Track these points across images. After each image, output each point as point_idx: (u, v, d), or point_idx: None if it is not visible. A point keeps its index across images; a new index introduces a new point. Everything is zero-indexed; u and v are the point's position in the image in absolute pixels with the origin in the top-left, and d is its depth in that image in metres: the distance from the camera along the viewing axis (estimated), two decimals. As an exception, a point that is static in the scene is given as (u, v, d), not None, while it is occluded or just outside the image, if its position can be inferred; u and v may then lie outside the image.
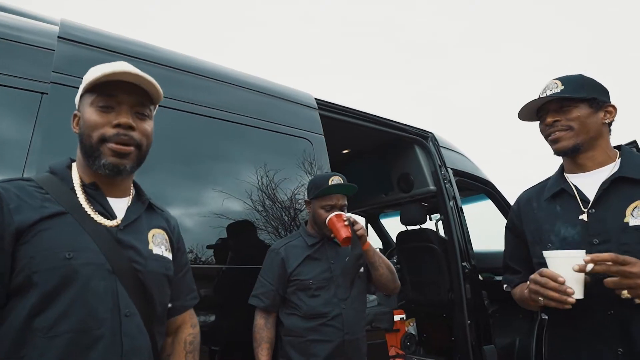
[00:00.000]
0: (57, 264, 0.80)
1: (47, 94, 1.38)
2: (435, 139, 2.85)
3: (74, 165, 0.95)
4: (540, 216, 1.27)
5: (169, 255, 1.00)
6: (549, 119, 1.22)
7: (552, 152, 1.26)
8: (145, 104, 0.93)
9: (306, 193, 1.76)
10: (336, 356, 1.47)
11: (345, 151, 3.31)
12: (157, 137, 1.02)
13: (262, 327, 1.51)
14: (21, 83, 1.34)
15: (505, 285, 1.40)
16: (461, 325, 2.47)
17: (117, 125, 0.87)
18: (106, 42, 1.57)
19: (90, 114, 0.88)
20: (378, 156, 3.18)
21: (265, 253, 1.65)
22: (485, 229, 3.40)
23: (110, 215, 0.91)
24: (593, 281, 1.03)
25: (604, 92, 1.22)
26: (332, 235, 1.55)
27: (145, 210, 1.00)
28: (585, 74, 1.25)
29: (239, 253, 1.68)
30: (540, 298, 1.05)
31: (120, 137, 0.87)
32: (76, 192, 0.89)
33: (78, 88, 1.40)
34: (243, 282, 1.61)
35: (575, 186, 1.22)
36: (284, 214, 1.84)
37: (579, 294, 1.01)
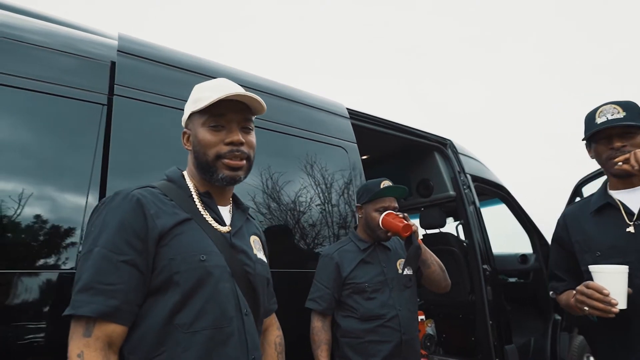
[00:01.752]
0: (195, 266, 0.86)
1: (105, 105, 1.44)
2: (454, 146, 2.95)
3: (186, 174, 1.02)
4: (587, 228, 1.38)
5: (266, 260, 1.08)
6: (618, 144, 1.30)
7: (612, 174, 1.35)
8: (249, 118, 1.00)
9: (356, 199, 1.83)
10: (394, 356, 1.54)
11: (364, 157, 3.39)
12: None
13: (320, 330, 1.58)
14: (83, 95, 1.39)
15: (551, 292, 1.52)
16: (483, 325, 2.56)
17: (230, 143, 0.95)
18: (162, 55, 1.64)
19: (204, 134, 0.95)
20: (397, 162, 3.28)
21: (309, 257, 1.72)
22: (499, 232, 3.51)
23: (222, 222, 0.99)
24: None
25: None
26: (389, 234, 1.63)
27: None
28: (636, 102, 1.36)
29: (285, 258, 1.75)
30: (585, 307, 1.17)
31: (234, 153, 0.95)
32: (195, 199, 0.97)
33: (138, 99, 1.49)
34: (292, 286, 1.68)
35: (620, 201, 1.33)
36: (327, 219, 1.91)
37: (622, 305, 1.12)
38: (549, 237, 3.40)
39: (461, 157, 2.95)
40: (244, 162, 0.97)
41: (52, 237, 1.22)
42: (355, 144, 2.19)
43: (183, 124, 1.04)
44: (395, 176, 3.34)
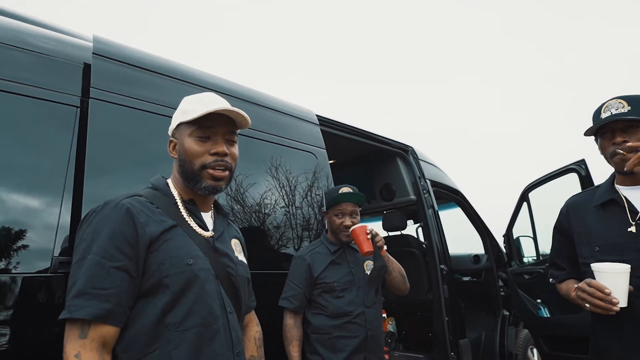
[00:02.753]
0: (182, 269, 0.93)
1: (79, 107, 1.43)
2: (415, 153, 3.12)
3: (170, 182, 1.08)
4: (589, 221, 1.37)
5: (246, 262, 1.16)
6: (619, 138, 1.27)
7: (614, 169, 1.33)
8: (234, 131, 1.07)
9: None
10: (361, 350, 1.66)
11: (331, 161, 3.50)
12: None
13: (292, 327, 1.68)
14: (57, 97, 1.38)
15: (551, 280, 1.55)
16: (440, 322, 2.73)
17: (215, 154, 1.01)
18: (138, 58, 1.65)
19: (191, 144, 1.01)
20: (362, 167, 3.41)
21: (282, 259, 1.79)
22: (454, 234, 3.74)
23: (205, 227, 1.05)
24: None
25: None
26: (353, 242, 1.73)
27: None
28: None
29: (259, 260, 1.81)
30: (587, 304, 1.20)
31: (218, 163, 1.01)
32: (179, 207, 1.03)
33: (113, 103, 1.49)
34: (266, 287, 1.74)
35: (625, 197, 1.30)
36: (297, 222, 1.99)
37: (623, 303, 1.14)
38: (499, 239, 3.68)
39: (421, 163, 3.12)
40: (227, 172, 1.03)
41: (26, 241, 1.21)
42: (324, 150, 2.28)
43: (170, 132, 1.08)
44: (359, 180, 3.49)
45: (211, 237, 1.05)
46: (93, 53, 1.52)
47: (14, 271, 1.16)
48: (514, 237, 3.53)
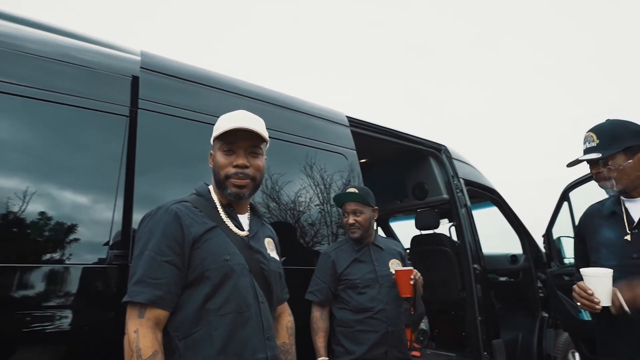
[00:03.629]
0: (221, 264, 1.09)
1: (128, 116, 1.59)
2: (448, 152, 3.11)
3: (211, 188, 1.24)
4: (597, 229, 1.53)
5: (278, 258, 1.29)
6: (593, 171, 1.47)
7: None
8: (258, 144, 1.20)
9: None
10: (381, 344, 1.75)
11: (363, 161, 3.56)
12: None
13: (318, 319, 1.79)
14: (108, 107, 1.53)
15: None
16: (473, 321, 2.73)
17: (236, 166, 1.16)
18: (181, 70, 1.81)
19: (219, 157, 1.18)
20: (394, 166, 3.44)
21: (313, 256, 1.89)
22: (490, 233, 3.68)
23: (241, 227, 1.20)
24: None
25: (636, 134, 1.41)
26: (395, 279, 1.80)
27: None
28: (612, 119, 1.46)
29: (291, 256, 1.92)
30: (578, 303, 1.35)
31: (238, 175, 1.16)
32: (219, 210, 1.18)
33: (161, 113, 1.65)
34: (297, 281, 1.85)
35: (626, 209, 1.45)
36: (327, 221, 2.08)
37: (605, 302, 1.28)
38: (537, 239, 3.59)
39: (455, 162, 3.11)
40: (248, 181, 1.17)
41: (86, 236, 1.38)
42: (354, 151, 2.36)
43: (212, 145, 1.24)
44: (392, 179, 3.54)
45: (246, 236, 1.19)
46: (141, 67, 1.68)
47: (76, 262, 1.34)
48: (554, 237, 3.43)
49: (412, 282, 1.73)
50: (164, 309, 1.03)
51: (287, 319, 1.39)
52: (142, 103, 1.62)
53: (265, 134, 1.18)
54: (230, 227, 1.17)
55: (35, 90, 1.39)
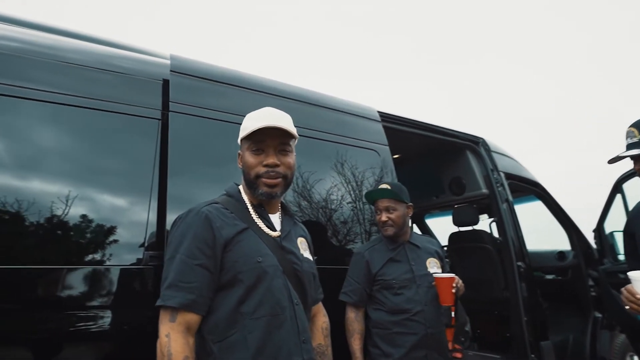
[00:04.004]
0: (254, 266, 1.07)
1: (160, 119, 1.62)
2: (486, 144, 2.97)
3: (241, 189, 1.22)
4: None
5: (312, 258, 1.26)
6: (637, 167, 1.47)
7: None
8: (287, 142, 1.16)
9: None
10: (421, 347, 1.67)
11: (396, 156, 3.47)
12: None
13: (353, 320, 1.73)
14: (140, 111, 1.56)
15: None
16: (518, 322, 2.58)
17: (266, 165, 1.13)
18: (210, 71, 1.82)
19: (248, 157, 1.15)
20: (428, 160, 3.33)
21: (346, 255, 1.85)
22: (535, 229, 3.48)
23: (273, 228, 1.18)
24: None
25: None
26: (434, 284, 1.71)
27: None
28: None
29: (323, 255, 1.89)
30: (627, 307, 1.34)
31: (269, 174, 1.13)
32: (250, 211, 1.16)
33: (192, 115, 1.67)
34: (330, 281, 1.81)
35: None
36: (360, 219, 2.03)
37: None
38: (587, 234, 3.36)
39: (494, 155, 2.97)
40: (279, 179, 1.14)
41: (122, 238, 1.41)
42: (387, 146, 2.29)
43: (239, 145, 1.22)
44: (427, 175, 3.43)
45: (278, 236, 1.17)
46: (170, 70, 1.70)
47: (112, 263, 1.37)
48: (606, 232, 3.20)
49: (453, 291, 1.64)
50: (196, 313, 1.02)
51: (322, 319, 1.36)
52: (173, 106, 1.64)
53: (293, 130, 1.15)
54: (262, 228, 1.14)
55: (73, 97, 1.43)
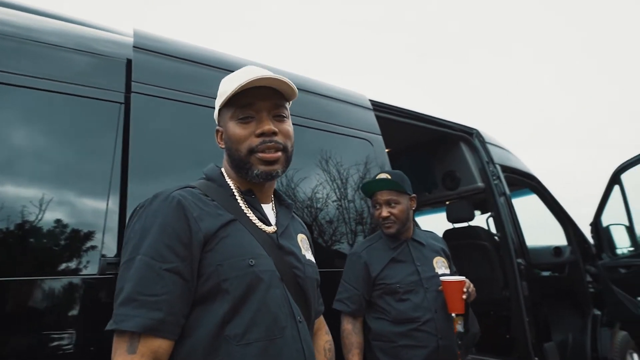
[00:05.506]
0: (244, 271, 0.78)
1: (123, 103, 1.38)
2: (481, 135, 2.82)
3: (224, 171, 0.94)
4: None
5: (314, 261, 0.99)
6: None
7: None
8: (282, 104, 0.90)
9: None
10: None
11: (387, 150, 3.29)
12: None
13: (351, 332, 1.48)
14: (100, 94, 1.34)
15: None
16: (520, 323, 2.43)
17: (261, 134, 0.85)
18: (180, 49, 1.58)
19: (233, 128, 0.87)
20: (420, 154, 3.16)
21: (334, 256, 1.63)
22: (529, 224, 3.36)
23: (267, 221, 0.90)
24: None
25: None
26: (441, 289, 1.49)
27: None
28: None
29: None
30: None
31: (267, 145, 0.85)
32: (237, 199, 0.89)
33: (157, 96, 1.43)
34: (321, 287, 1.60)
35: None
36: (352, 216, 1.82)
37: None
38: (583, 228, 3.26)
39: (489, 146, 2.82)
40: (280, 153, 0.87)
41: (72, 242, 1.17)
42: (380, 136, 2.10)
43: (216, 121, 0.95)
44: (419, 168, 3.24)
45: (274, 232, 0.89)
46: (133, 47, 1.46)
47: (61, 274, 1.12)
48: (604, 225, 3.09)
49: (464, 297, 1.41)
50: (165, 338, 0.73)
51: (324, 338, 1.08)
52: (137, 86, 1.40)
53: (290, 83, 0.87)
54: (254, 221, 0.87)
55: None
